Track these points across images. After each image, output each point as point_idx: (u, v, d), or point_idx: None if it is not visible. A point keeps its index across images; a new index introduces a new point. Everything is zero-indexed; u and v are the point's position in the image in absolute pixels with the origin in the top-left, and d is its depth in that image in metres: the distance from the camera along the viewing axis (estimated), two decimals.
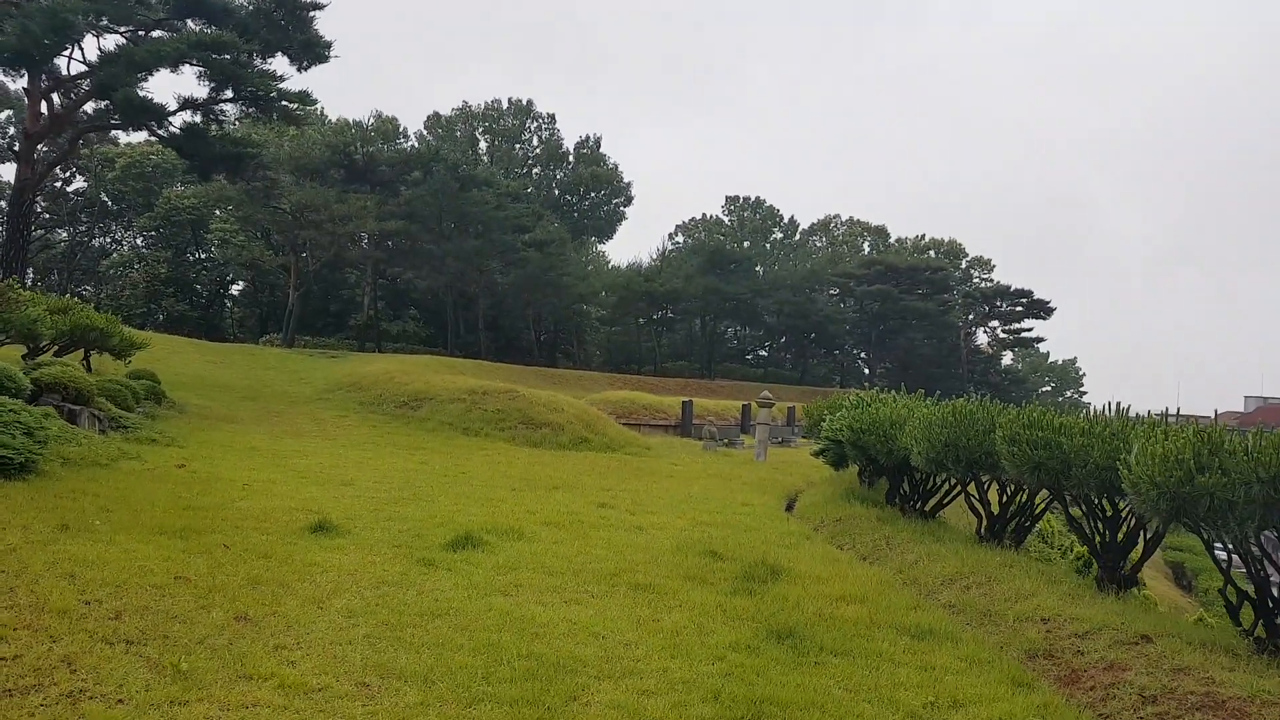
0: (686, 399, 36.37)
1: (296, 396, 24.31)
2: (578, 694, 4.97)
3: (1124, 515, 8.45)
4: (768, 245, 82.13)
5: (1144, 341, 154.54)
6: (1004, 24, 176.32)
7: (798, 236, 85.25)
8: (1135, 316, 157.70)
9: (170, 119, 23.04)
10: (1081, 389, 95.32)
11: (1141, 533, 8.48)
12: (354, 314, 50.92)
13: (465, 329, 51.74)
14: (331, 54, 25.28)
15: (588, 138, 71.81)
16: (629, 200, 72.54)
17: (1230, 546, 6.88)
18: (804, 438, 30.51)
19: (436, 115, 68.46)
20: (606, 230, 73.80)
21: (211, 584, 6.55)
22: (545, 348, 59.19)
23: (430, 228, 45.42)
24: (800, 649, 6.22)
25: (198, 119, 23.53)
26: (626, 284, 59.85)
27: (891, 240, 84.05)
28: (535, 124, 70.05)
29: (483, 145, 69.62)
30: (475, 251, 46.51)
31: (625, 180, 71.74)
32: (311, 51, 24.81)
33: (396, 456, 16.83)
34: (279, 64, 25.30)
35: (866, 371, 67.36)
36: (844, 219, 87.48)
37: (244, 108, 24.25)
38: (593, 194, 71.25)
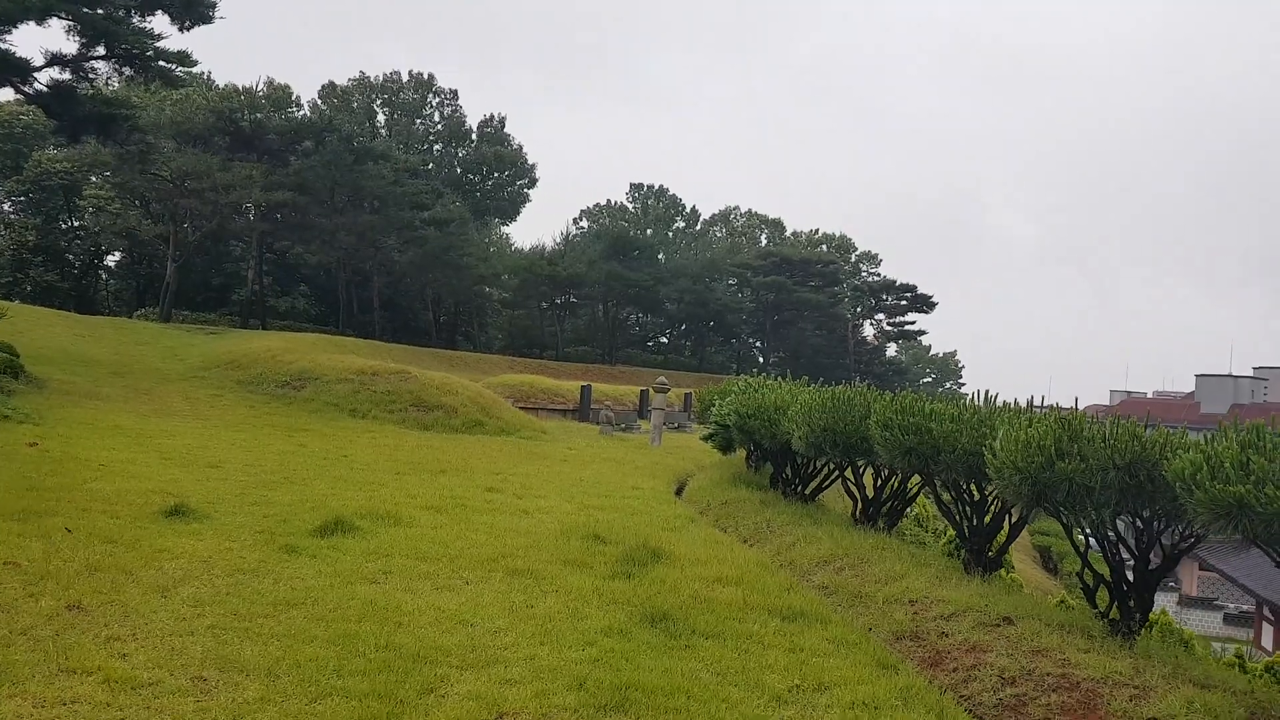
0: (586, 384, 36.22)
1: (169, 374, 22.91)
2: (435, 686, 4.75)
3: (990, 500, 8.77)
4: (670, 234, 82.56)
5: (1020, 337, 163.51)
6: (902, 21, 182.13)
7: (699, 226, 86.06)
8: (1014, 312, 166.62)
9: (36, 75, 21.19)
10: (960, 381, 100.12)
11: (1007, 517, 8.83)
12: (238, 289, 48.42)
13: (359, 308, 49.96)
14: (216, 14, 23.80)
15: (491, 116, 70.37)
16: (533, 182, 71.55)
17: (1088, 531, 7.22)
18: (698, 423, 30.84)
19: (332, 85, 65.68)
20: (510, 212, 72.60)
21: (45, 570, 6.01)
22: (445, 329, 57.85)
23: (322, 200, 43.53)
24: (673, 632, 6.17)
25: (66, 76, 21.72)
26: (529, 267, 59.05)
27: (787, 233, 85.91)
28: (437, 99, 68.13)
29: (380, 119, 67.23)
30: (370, 227, 44.87)
31: (530, 162, 70.70)
32: (194, 10, 23.24)
33: (274, 438, 16.06)
34: (159, 23, 23.77)
35: (761, 360, 68.65)
36: (743, 210, 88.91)
37: (117, 66, 22.50)
38: (496, 174, 69.91)
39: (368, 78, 67.08)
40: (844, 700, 5.10)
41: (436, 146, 68.60)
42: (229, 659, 4.82)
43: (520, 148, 70.36)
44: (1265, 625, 31.30)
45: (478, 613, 6.18)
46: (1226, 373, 73.37)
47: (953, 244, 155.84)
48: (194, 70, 52.49)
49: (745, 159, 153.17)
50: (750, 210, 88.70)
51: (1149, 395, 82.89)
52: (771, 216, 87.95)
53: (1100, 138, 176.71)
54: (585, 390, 34.51)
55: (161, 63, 23.10)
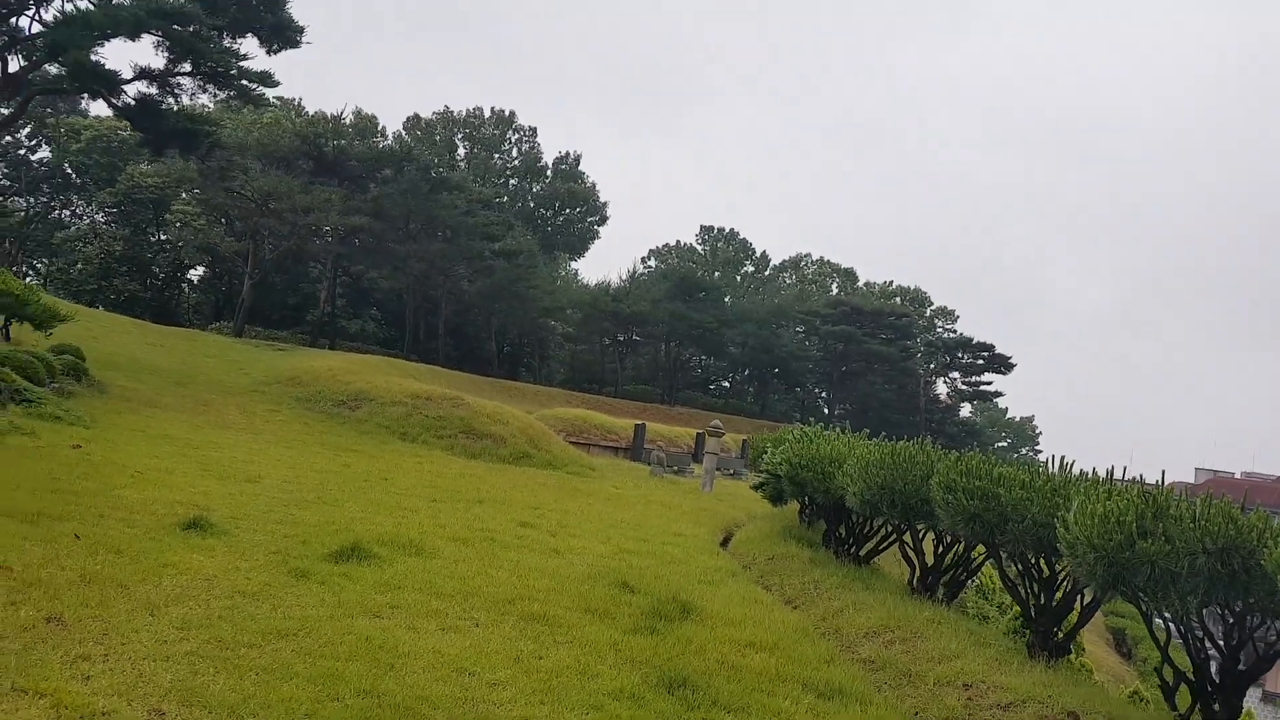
0: (640, 423, 35.72)
1: (231, 386, 23.27)
2: None
3: (1061, 577, 7.93)
4: (738, 277, 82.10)
5: (1099, 407, 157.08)
6: (967, 82, 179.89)
7: (768, 271, 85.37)
8: (1092, 381, 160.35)
9: (124, 88, 22.13)
10: (1037, 447, 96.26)
11: (1079, 597, 7.98)
12: (312, 309, 49.67)
13: (426, 334, 50.69)
14: (303, 40, 24.60)
15: (567, 154, 71.51)
16: (604, 219, 72.24)
17: (1170, 621, 6.39)
18: (752, 471, 30.00)
19: (416, 117, 67.77)
20: (579, 247, 73.32)
21: (35, 577, 5.76)
22: (507, 360, 58.27)
23: (397, 227, 44.51)
24: (691, 702, 5.57)
25: (153, 91, 22.64)
26: (593, 302, 59.22)
27: (859, 283, 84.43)
28: (516, 135, 69.61)
29: (461, 152, 68.95)
30: (441, 255, 45.62)
31: (602, 199, 71.49)
32: (282, 35, 24.06)
33: (320, 456, 15.98)
34: (249, 45, 24.62)
35: (826, 411, 67.20)
36: (814, 258, 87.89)
37: (202, 83, 23.37)
38: (568, 210, 70.83)
39: (451, 112, 69.04)
40: None
41: (513, 181, 69.95)
42: (196, 691, 4.42)
43: (593, 185, 71.24)
44: None
45: (480, 660, 5.68)
46: None
47: (1025, 308, 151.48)
48: (284, 95, 55.09)
49: (814, 209, 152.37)
50: (822, 258, 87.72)
51: (1237, 475, 78.26)
52: (844, 266, 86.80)
53: (1165, 203, 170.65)
54: (639, 429, 34.01)
55: (245, 81, 23.90)
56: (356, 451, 17.77)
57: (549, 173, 70.30)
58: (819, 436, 15.16)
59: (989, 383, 70.91)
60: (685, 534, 14.22)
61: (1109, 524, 5.93)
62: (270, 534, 8.46)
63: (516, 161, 69.92)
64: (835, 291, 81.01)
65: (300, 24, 24.80)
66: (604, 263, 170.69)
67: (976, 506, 7.92)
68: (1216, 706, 6.14)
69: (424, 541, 9.15)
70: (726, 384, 72.40)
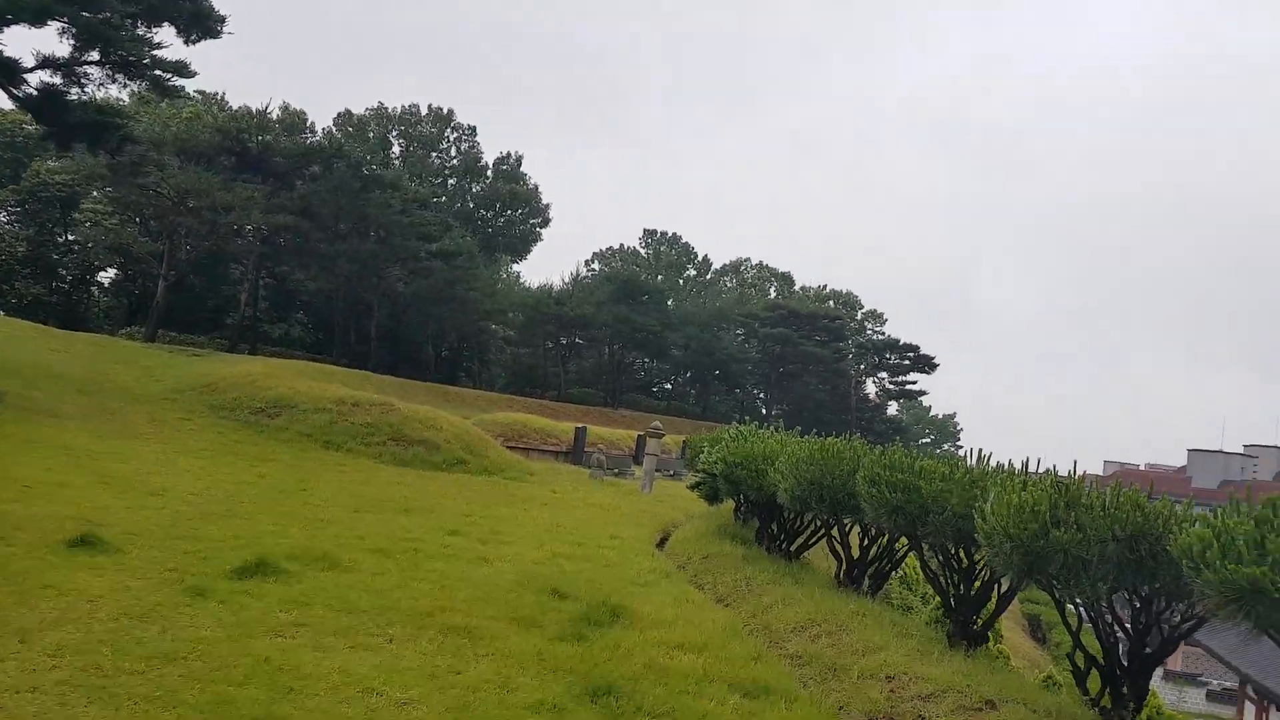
0: (581, 425, 35.44)
1: (140, 394, 22.22)
2: None
3: (979, 567, 8.00)
4: (681, 281, 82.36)
5: (1017, 404, 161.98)
6: (893, 96, 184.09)
7: (710, 275, 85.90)
8: (1011, 380, 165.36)
9: (26, 77, 20.85)
10: (959, 443, 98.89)
11: (996, 586, 8.06)
12: (233, 312, 47.98)
13: (357, 338, 49.42)
14: (224, 29, 23.58)
15: (508, 154, 70.59)
16: (546, 221, 71.55)
17: (1082, 606, 6.46)
18: (691, 471, 30.01)
19: (348, 113, 66.01)
20: (521, 249, 72.49)
21: None
22: (445, 364, 57.29)
23: (325, 226, 43.25)
24: (614, 711, 5.41)
25: (58, 81, 21.41)
26: (536, 305, 58.66)
27: (796, 287, 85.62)
28: (455, 134, 68.39)
29: (396, 149, 67.50)
30: (373, 255, 44.50)
31: (544, 201, 70.83)
32: (201, 24, 23.01)
33: (234, 467, 15.35)
34: (165, 34, 23.53)
35: (765, 411, 67.85)
36: (754, 262, 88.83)
37: (111, 73, 22.21)
38: (509, 211, 69.92)
39: (386, 108, 67.51)
40: None
41: (451, 181, 68.80)
42: None
43: (536, 187, 70.56)
44: (1248, 704, 29.96)
45: (390, 679, 5.42)
46: (1218, 448, 72.10)
47: (952, 310, 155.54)
48: (206, 89, 53.21)
49: (753, 214, 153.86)
50: (761, 262, 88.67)
51: (1142, 467, 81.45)
52: (781, 270, 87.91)
53: (1093, 214, 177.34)
54: (580, 432, 33.72)
55: (159, 72, 22.74)
56: (274, 461, 17.13)
57: (489, 173, 69.31)
58: (753, 435, 15.17)
59: (914, 382, 72.79)
60: (622, 536, 14.07)
61: (1024, 514, 5.96)
62: (169, 550, 8.02)
63: (455, 161, 68.77)
64: (773, 295, 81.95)
65: (221, 13, 23.83)
66: (547, 265, 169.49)
67: (899, 499, 7.95)
68: (1125, 688, 6.23)
69: (340, 554, 8.80)
70: (669, 386, 72.55)
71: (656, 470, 26.46)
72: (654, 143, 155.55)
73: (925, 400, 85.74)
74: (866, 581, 10.37)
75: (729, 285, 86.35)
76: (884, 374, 73.29)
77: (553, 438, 33.72)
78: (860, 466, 9.07)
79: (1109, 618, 6.31)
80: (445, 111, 68.01)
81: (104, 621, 5.69)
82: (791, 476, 10.50)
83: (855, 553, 10.67)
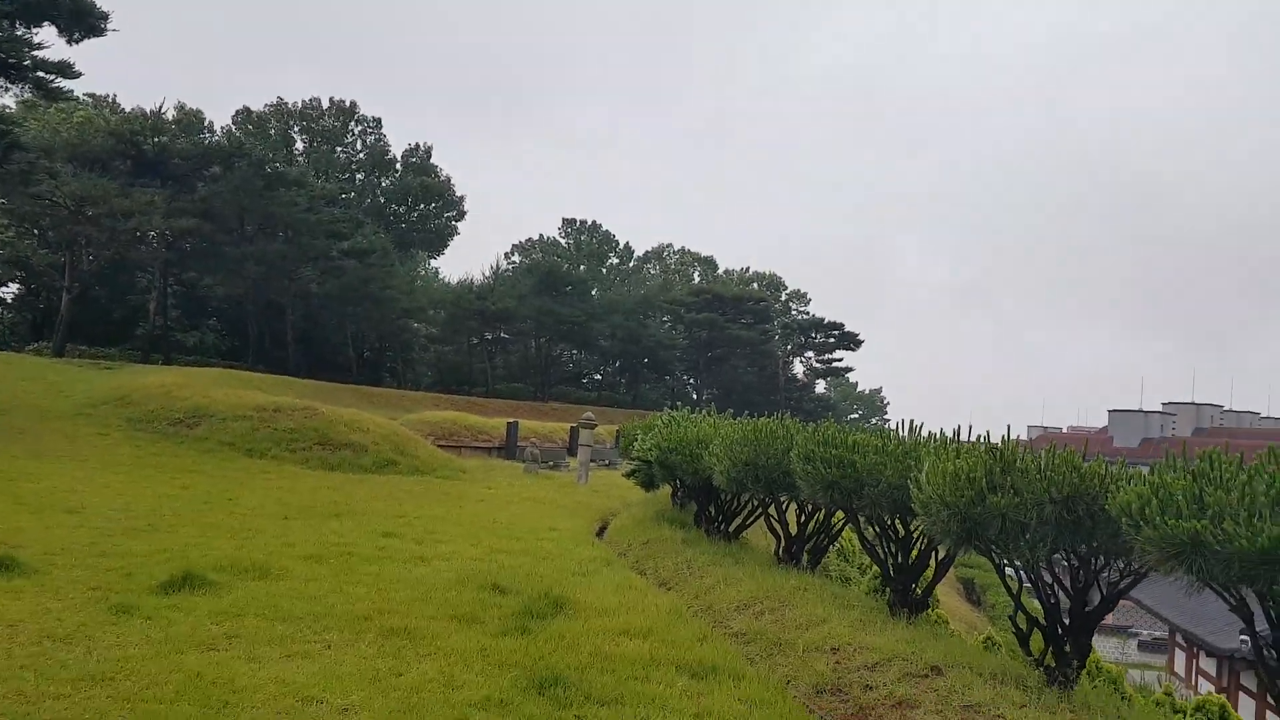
0: (512, 420, 35.10)
1: (51, 411, 21.08)
2: None
3: (916, 536, 8.19)
4: (604, 270, 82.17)
5: (941, 376, 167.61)
6: (810, 79, 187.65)
7: (633, 263, 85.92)
8: (934, 352, 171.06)
9: None
10: (886, 416, 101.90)
11: (934, 553, 8.26)
12: (142, 321, 45.88)
13: (273, 342, 47.80)
14: (108, 26, 22.35)
15: (417, 146, 69.03)
16: (461, 215, 70.36)
17: (1020, 569, 6.65)
18: (625, 459, 30.05)
19: (247, 110, 63.53)
20: (437, 244, 71.17)
21: None
22: (367, 365, 55.88)
23: (230, 228, 41.63)
24: (563, 701, 5.33)
25: None
26: (457, 300, 57.71)
27: (719, 271, 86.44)
28: (359, 128, 66.53)
29: (299, 146, 65.34)
30: (282, 256, 43.03)
31: (458, 194, 69.63)
32: (83, 21, 21.76)
33: (155, 481, 14.67)
34: (46, 34, 22.21)
35: (695, 396, 68.42)
36: (676, 248, 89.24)
37: None
38: (422, 205, 68.51)
39: (285, 104, 65.22)
40: None
41: (359, 176, 67.02)
42: None
43: (448, 179, 69.27)
44: (1178, 651, 31.83)
45: (330, 685, 5.24)
46: (1137, 408, 76.16)
47: (872, 288, 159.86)
48: (96, 91, 50.53)
49: (673, 200, 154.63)
50: (684, 248, 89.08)
51: (1064, 430, 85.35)
52: (704, 254, 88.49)
53: (1005, 187, 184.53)
54: (511, 427, 33.40)
55: (40, 73, 21.49)
56: (195, 473, 16.45)
57: (398, 166, 67.70)
58: (686, 420, 15.23)
59: (840, 359, 74.42)
60: (560, 528, 13.99)
61: (960, 481, 6.09)
62: (90, 569, 7.60)
63: (362, 155, 66.94)
64: (697, 280, 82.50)
65: (103, 9, 22.58)
66: (465, 260, 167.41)
67: (834, 474, 8.06)
68: (1067, 647, 6.45)
69: (270, 563, 8.48)
70: (599, 376, 72.46)
71: (591, 461, 26.39)
72: (567, 131, 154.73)
73: (852, 377, 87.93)
74: (805, 557, 10.52)
75: (653, 272, 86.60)
76: (810, 353, 74.67)
77: (484, 434, 33.32)
78: (794, 445, 9.18)
79: (1049, 578, 6.52)
80: (348, 104, 66.14)
81: (25, 645, 5.34)
82: (726, 459, 10.58)
83: (793, 529, 10.82)
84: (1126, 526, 4.95)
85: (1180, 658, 31.29)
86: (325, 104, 65.76)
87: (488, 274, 67.16)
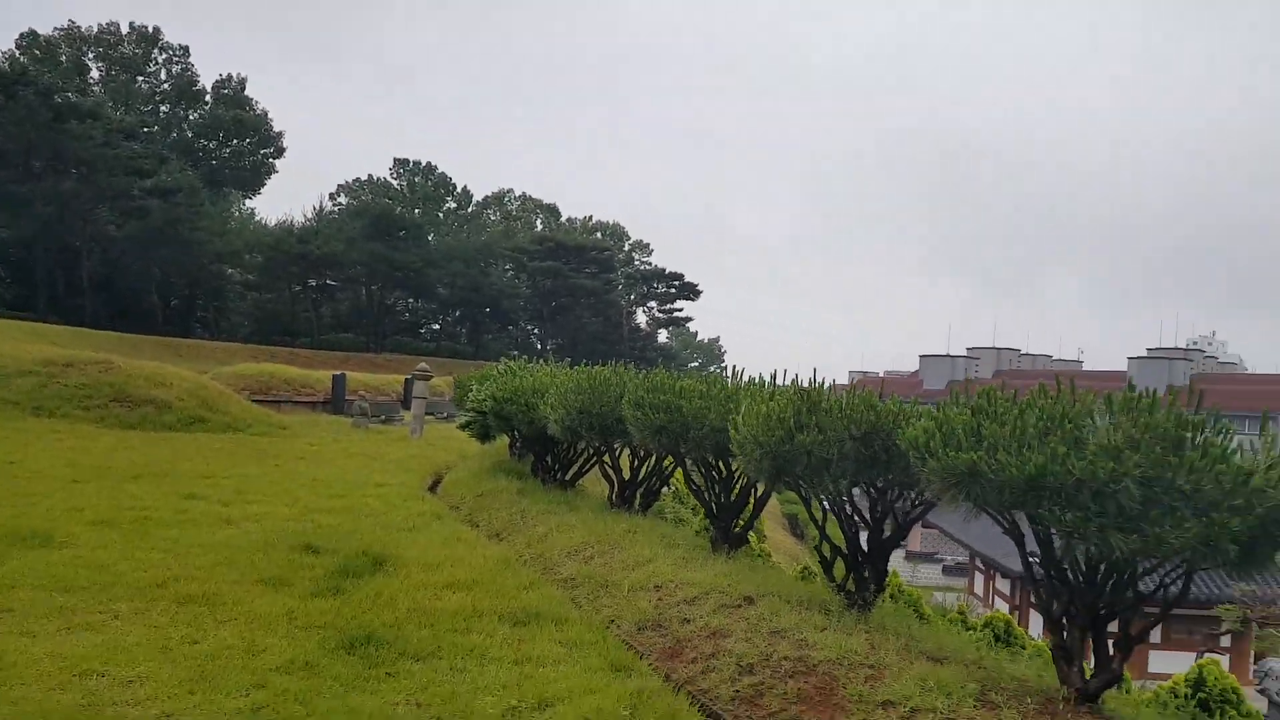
0: (339, 373, 33.55)
1: None
2: None
3: (737, 476, 8.50)
4: (440, 214, 79.33)
5: (775, 325, 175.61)
6: (647, 25, 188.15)
7: (471, 208, 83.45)
8: (768, 302, 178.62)
9: None
10: (723, 364, 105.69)
11: (753, 492, 8.61)
12: None
13: (67, 290, 43.11)
14: None
15: (229, 77, 63.50)
16: (280, 152, 65.62)
17: (827, 502, 7.03)
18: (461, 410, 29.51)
19: (33, 34, 56.16)
20: (252, 183, 66.16)
21: None
22: (176, 315, 51.62)
23: (14, 164, 36.99)
24: (374, 659, 5.16)
25: None
26: (277, 244, 54.06)
27: (563, 219, 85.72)
28: (164, 55, 60.39)
29: (95, 74, 58.68)
30: (75, 195, 38.74)
31: (275, 129, 64.83)
32: None
33: None
34: None
35: (540, 347, 68.05)
36: (518, 194, 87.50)
37: None
38: (235, 141, 63.27)
39: (79, 28, 58.28)
40: (565, 718, 4.37)
41: (163, 108, 61.12)
42: None
43: (265, 113, 64.35)
44: (977, 574, 35.40)
45: (114, 657, 4.82)
46: (945, 353, 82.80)
47: (710, 240, 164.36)
48: None
49: (513, 144, 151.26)
50: (525, 194, 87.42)
51: (881, 374, 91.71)
52: (546, 202, 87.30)
53: (830, 140, 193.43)
54: (338, 380, 31.92)
55: None
56: None
57: (208, 98, 62.10)
58: (523, 370, 15.06)
59: (680, 309, 76.07)
60: (389, 484, 13.58)
61: (771, 422, 6.33)
62: None
63: (166, 85, 60.88)
64: (540, 228, 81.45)
65: None
66: (285, 200, 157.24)
67: (662, 419, 8.20)
68: (866, 573, 6.91)
69: (53, 530, 7.71)
70: (437, 326, 70.43)
71: (427, 413, 25.74)
72: (396, 66, 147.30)
73: (692, 326, 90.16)
74: (638, 501, 10.73)
75: (493, 218, 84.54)
76: (653, 303, 75.81)
77: (307, 388, 31.70)
78: (626, 392, 9.27)
79: (850, 510, 6.93)
80: (150, 30, 59.88)
81: None
82: (561, 407, 10.55)
83: (627, 475, 10.98)
84: (914, 459, 5.30)
85: (980, 580, 34.79)
86: (125, 29, 59.15)
87: (311, 216, 63.40)
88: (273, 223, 62.21)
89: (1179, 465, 4.29)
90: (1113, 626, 5.14)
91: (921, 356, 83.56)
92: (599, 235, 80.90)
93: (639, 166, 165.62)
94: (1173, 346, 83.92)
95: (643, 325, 77.00)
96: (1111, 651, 5.13)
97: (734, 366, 8.51)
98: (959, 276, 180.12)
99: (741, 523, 8.59)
